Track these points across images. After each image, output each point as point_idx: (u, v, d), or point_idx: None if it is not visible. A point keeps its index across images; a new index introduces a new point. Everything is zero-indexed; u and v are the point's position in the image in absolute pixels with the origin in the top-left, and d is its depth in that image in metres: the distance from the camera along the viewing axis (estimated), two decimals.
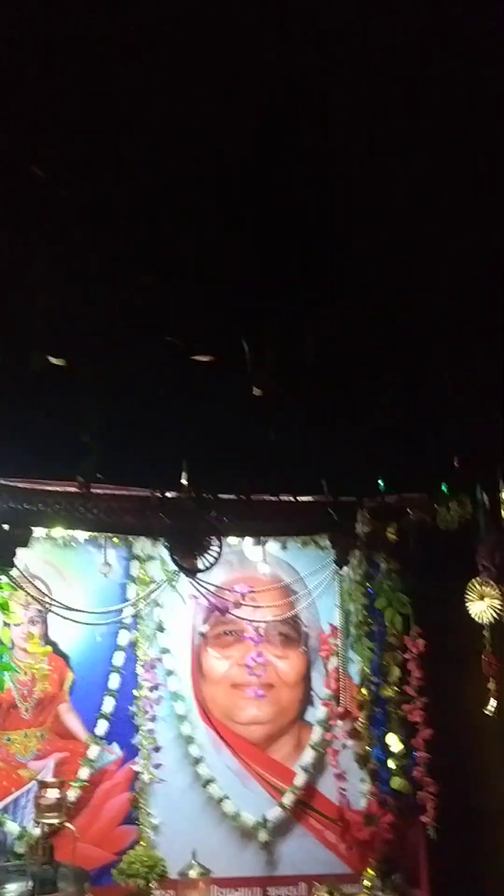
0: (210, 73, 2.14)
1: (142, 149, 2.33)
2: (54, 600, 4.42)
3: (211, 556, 3.77)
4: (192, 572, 3.83)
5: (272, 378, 3.10)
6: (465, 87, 2.21)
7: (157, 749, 4.53)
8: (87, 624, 4.44)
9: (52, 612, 4.41)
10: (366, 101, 2.33)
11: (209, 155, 2.32)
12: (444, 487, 4.00)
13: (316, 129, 2.25)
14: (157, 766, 4.52)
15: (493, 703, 4.13)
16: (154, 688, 4.57)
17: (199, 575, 3.94)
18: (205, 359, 3.00)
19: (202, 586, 4.55)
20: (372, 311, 3.21)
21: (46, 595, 4.44)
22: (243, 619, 4.69)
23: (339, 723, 4.62)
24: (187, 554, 3.74)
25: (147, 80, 2.17)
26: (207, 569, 3.78)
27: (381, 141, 2.35)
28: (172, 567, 4.13)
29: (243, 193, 2.61)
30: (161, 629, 4.69)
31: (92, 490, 3.54)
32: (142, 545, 4.67)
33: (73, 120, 2.27)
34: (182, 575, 4.25)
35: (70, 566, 4.56)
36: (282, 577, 4.83)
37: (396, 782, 4.37)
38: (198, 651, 4.77)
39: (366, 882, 4.48)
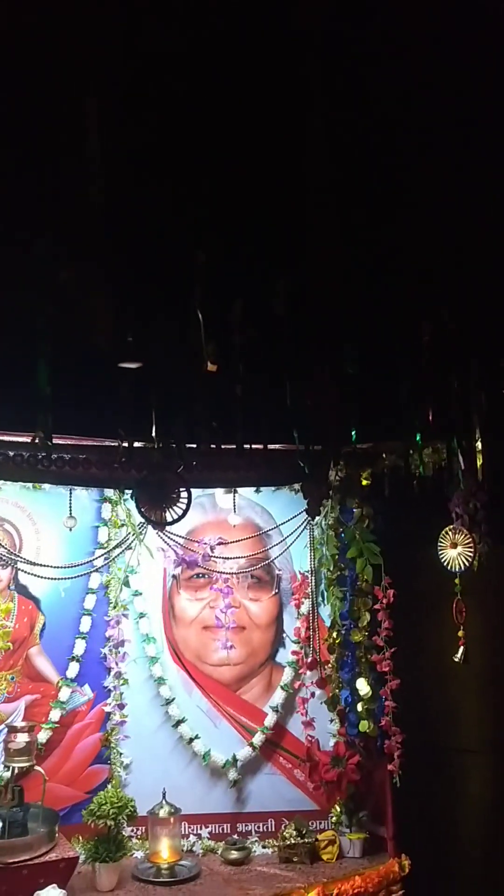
0: None
1: None
2: (19, 556, 4.37)
3: (179, 508, 3.70)
4: (160, 525, 3.77)
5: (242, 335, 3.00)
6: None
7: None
8: (54, 579, 4.40)
9: (19, 568, 4.37)
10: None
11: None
12: (418, 438, 3.93)
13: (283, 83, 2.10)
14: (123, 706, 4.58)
15: (461, 650, 4.16)
16: (119, 644, 4.57)
17: (168, 527, 3.88)
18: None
19: (170, 538, 4.51)
20: (344, 258, 3.09)
21: (13, 552, 4.39)
22: (214, 571, 4.68)
23: (308, 672, 4.65)
24: (155, 506, 3.67)
25: None
26: (175, 521, 3.72)
27: (355, 92, 2.20)
28: (139, 520, 4.07)
29: (210, 142, 2.45)
30: (133, 572, 4.67)
31: (55, 442, 3.43)
32: None
33: None
34: (150, 527, 4.19)
35: (40, 510, 4.49)
36: (254, 521, 4.79)
37: (364, 725, 4.42)
38: (170, 593, 4.75)
39: (333, 819, 4.60)
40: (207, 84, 2.09)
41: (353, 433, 3.82)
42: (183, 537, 4.61)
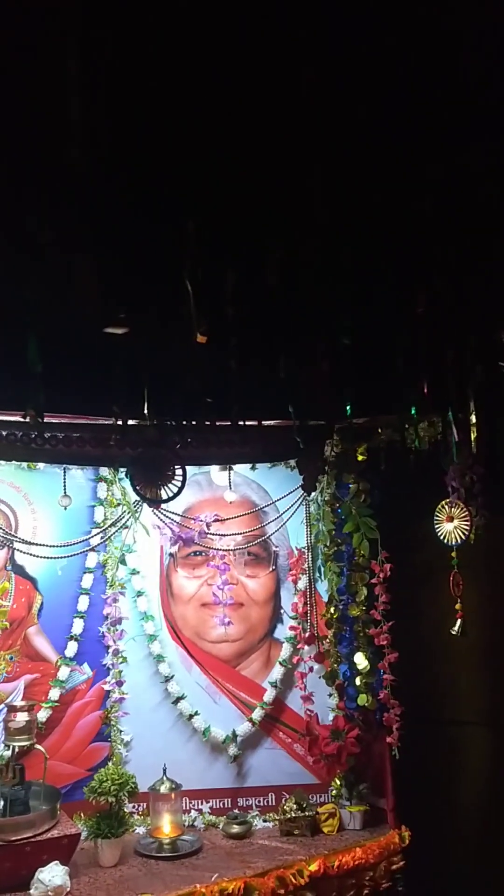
0: None
1: None
2: (16, 536, 4.36)
3: (174, 485, 3.69)
4: (155, 502, 3.76)
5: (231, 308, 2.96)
6: None
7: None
8: (50, 557, 4.40)
9: (15, 548, 4.36)
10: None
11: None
12: (413, 411, 3.91)
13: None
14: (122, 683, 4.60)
15: (459, 623, 4.17)
16: (117, 622, 4.58)
17: (163, 505, 3.87)
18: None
19: (166, 516, 4.51)
20: (339, 230, 3.05)
21: (9, 532, 4.38)
22: (211, 548, 4.68)
23: (306, 647, 4.66)
24: (150, 484, 3.66)
25: None
26: (171, 499, 3.71)
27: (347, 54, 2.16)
28: (134, 498, 4.06)
29: (200, 108, 2.40)
30: (130, 550, 4.67)
31: (48, 420, 3.42)
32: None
33: None
34: (145, 505, 4.18)
35: (35, 490, 4.48)
36: (250, 498, 4.78)
37: (363, 699, 4.44)
38: (167, 571, 4.76)
39: (333, 792, 4.63)
40: (197, 49, 2.05)
41: (348, 408, 3.81)
42: (179, 515, 4.61)
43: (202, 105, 2.25)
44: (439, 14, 2.15)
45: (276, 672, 4.74)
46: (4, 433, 3.88)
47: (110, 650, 4.58)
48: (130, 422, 3.60)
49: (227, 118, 2.29)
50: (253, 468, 4.76)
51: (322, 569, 4.66)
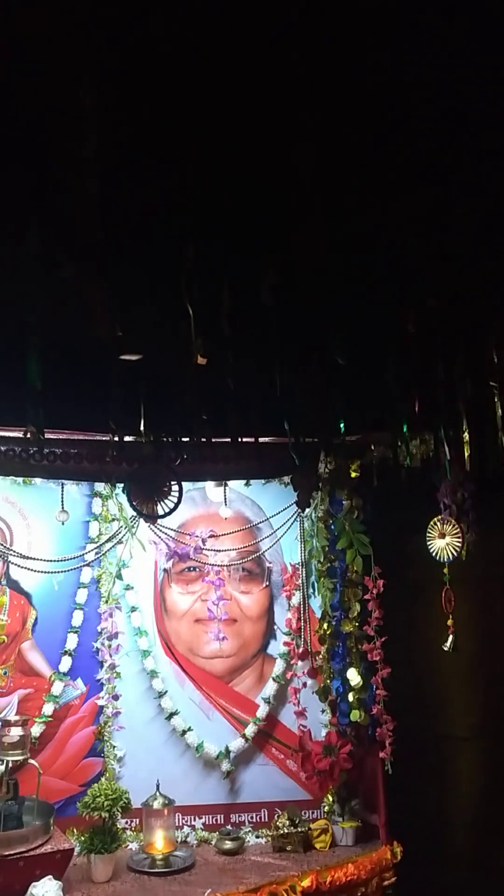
0: None
1: None
2: (11, 550, 4.39)
3: (171, 501, 3.72)
4: (151, 518, 3.80)
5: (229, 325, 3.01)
6: None
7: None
8: (46, 572, 4.43)
9: (11, 562, 4.38)
10: None
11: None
12: (404, 428, 3.96)
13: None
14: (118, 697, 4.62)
15: (451, 639, 4.21)
16: (113, 636, 4.61)
17: (159, 521, 3.90)
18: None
19: (162, 531, 4.54)
20: (331, 248, 3.11)
21: (3, 544, 4.40)
22: (205, 564, 4.71)
23: (300, 662, 4.69)
24: (146, 499, 3.69)
25: None
26: (167, 514, 3.75)
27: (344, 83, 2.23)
28: (131, 513, 4.09)
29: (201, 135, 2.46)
30: (125, 566, 4.70)
31: (46, 436, 3.44)
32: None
33: None
34: (141, 521, 4.22)
35: (30, 505, 4.51)
36: (245, 514, 4.82)
37: (355, 714, 4.47)
38: (161, 587, 4.78)
39: (325, 808, 4.64)
40: (199, 78, 2.11)
41: (341, 425, 3.86)
42: (174, 530, 4.65)
43: (204, 134, 2.31)
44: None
45: (270, 688, 4.76)
46: (3, 448, 3.92)
47: (104, 665, 4.60)
48: (127, 438, 3.65)
49: (227, 145, 2.35)
50: (247, 484, 4.80)
51: (315, 584, 4.69)
